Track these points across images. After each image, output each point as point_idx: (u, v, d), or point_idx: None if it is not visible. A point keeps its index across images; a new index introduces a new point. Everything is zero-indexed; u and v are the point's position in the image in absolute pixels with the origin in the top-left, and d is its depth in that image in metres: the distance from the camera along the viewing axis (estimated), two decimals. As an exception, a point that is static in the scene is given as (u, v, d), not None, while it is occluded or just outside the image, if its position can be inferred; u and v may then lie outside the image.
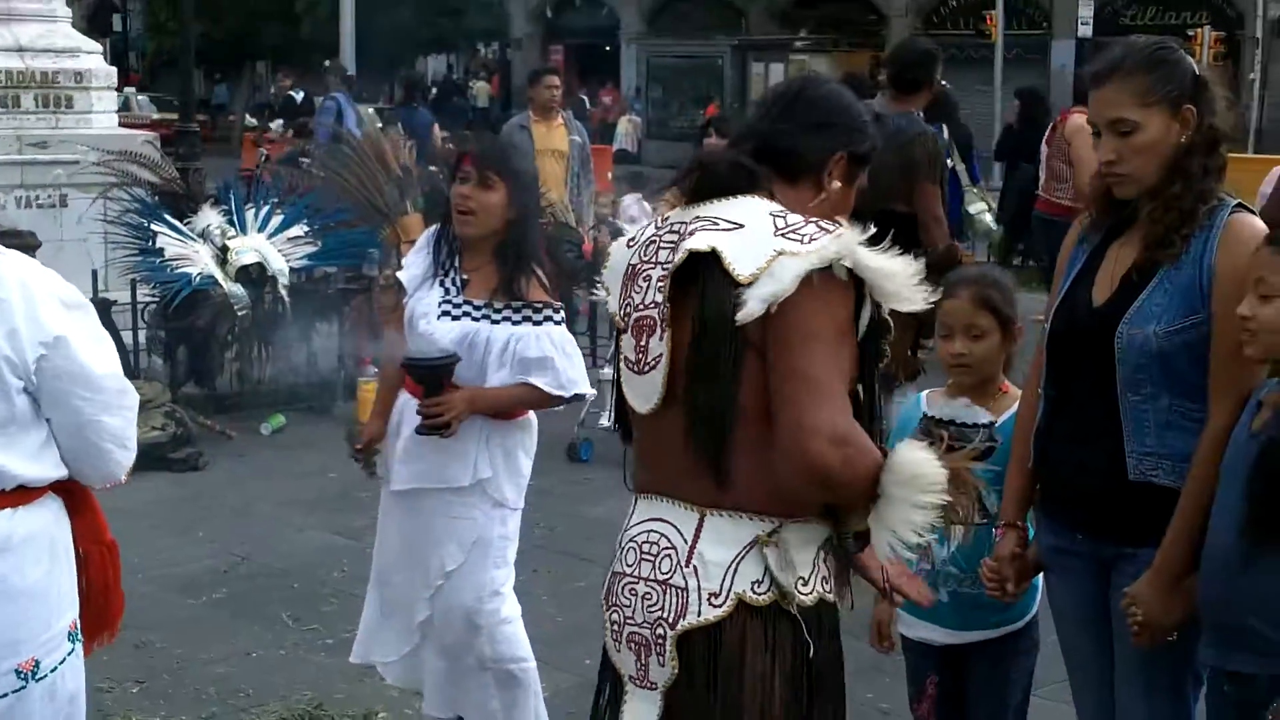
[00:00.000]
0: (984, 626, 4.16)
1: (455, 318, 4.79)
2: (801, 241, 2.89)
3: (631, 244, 3.20)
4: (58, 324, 3.35)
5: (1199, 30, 32.28)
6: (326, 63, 20.15)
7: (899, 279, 2.93)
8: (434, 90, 46.94)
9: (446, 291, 4.83)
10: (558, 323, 4.85)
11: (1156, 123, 3.50)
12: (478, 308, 4.80)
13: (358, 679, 5.82)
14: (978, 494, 3.17)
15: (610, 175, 22.91)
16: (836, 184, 3.15)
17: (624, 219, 9.50)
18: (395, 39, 36.10)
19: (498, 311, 4.79)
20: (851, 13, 40.89)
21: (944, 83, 9.17)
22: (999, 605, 4.00)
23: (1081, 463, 3.63)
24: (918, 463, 2.94)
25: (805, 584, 3.02)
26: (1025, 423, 3.81)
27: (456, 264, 4.87)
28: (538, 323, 4.79)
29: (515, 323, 4.79)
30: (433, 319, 4.79)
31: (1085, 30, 34.15)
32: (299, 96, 22.03)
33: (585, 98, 39.49)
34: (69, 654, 3.53)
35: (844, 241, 2.89)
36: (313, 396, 10.56)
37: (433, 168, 12.02)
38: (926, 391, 4.13)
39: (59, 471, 3.46)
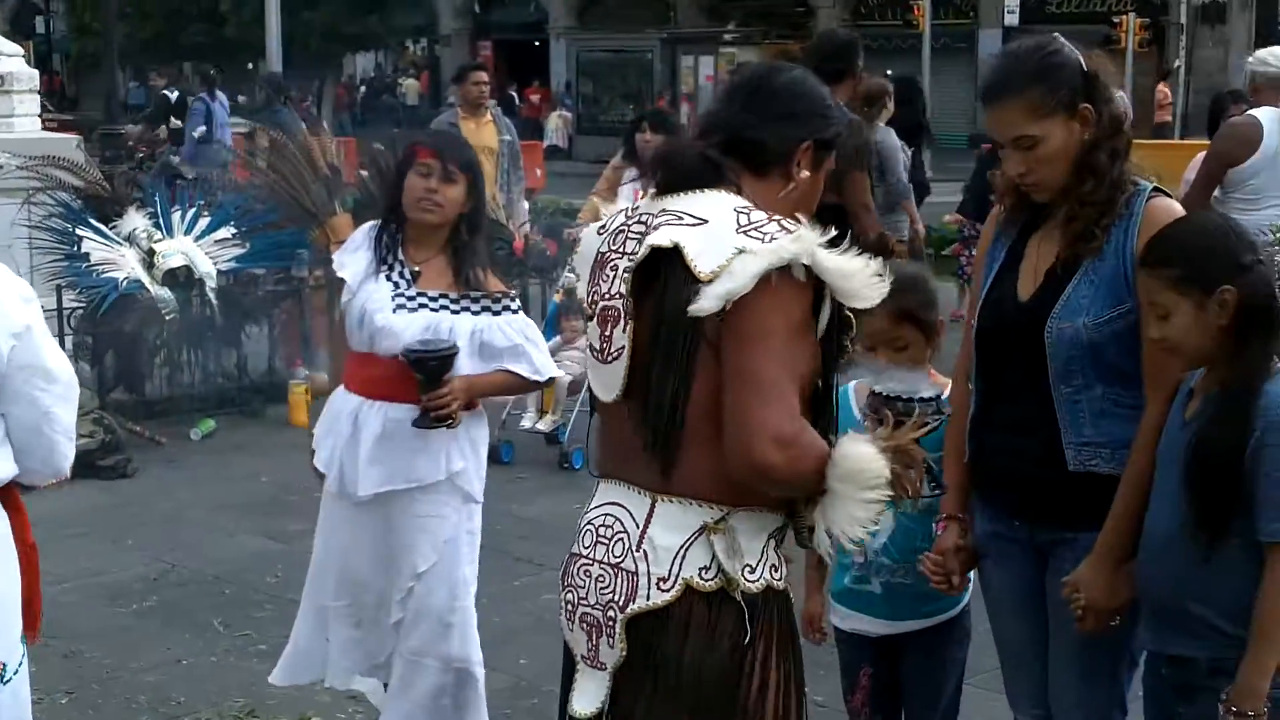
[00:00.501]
0: (917, 616, 4.17)
1: (412, 310, 4.74)
2: (763, 240, 2.92)
3: (602, 231, 3.23)
4: (22, 315, 3.36)
5: (1124, 17, 32.56)
6: (251, 65, 20.09)
7: (857, 278, 2.96)
8: (363, 88, 46.86)
9: (396, 285, 4.77)
10: (515, 311, 4.87)
11: (1057, 130, 3.51)
12: (434, 299, 4.78)
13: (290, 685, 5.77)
14: (927, 466, 3.18)
15: (540, 172, 22.90)
16: (805, 173, 3.16)
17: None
18: (322, 37, 35.95)
19: (455, 302, 4.79)
20: (780, 5, 40.98)
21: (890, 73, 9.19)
22: (932, 595, 4.00)
23: (1018, 451, 3.65)
24: (861, 457, 2.98)
25: (753, 571, 3.06)
26: (958, 417, 3.82)
27: (401, 257, 4.83)
28: (496, 313, 4.81)
29: (475, 313, 4.78)
30: (388, 313, 4.72)
31: (1012, 19, 34.39)
32: (173, 96, 21.80)
33: (514, 94, 39.43)
34: (23, 656, 3.53)
35: (803, 242, 2.91)
36: (243, 400, 10.48)
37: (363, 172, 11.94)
38: (854, 383, 4.11)
39: (13, 470, 3.45)
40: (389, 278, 4.80)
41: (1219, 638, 3.36)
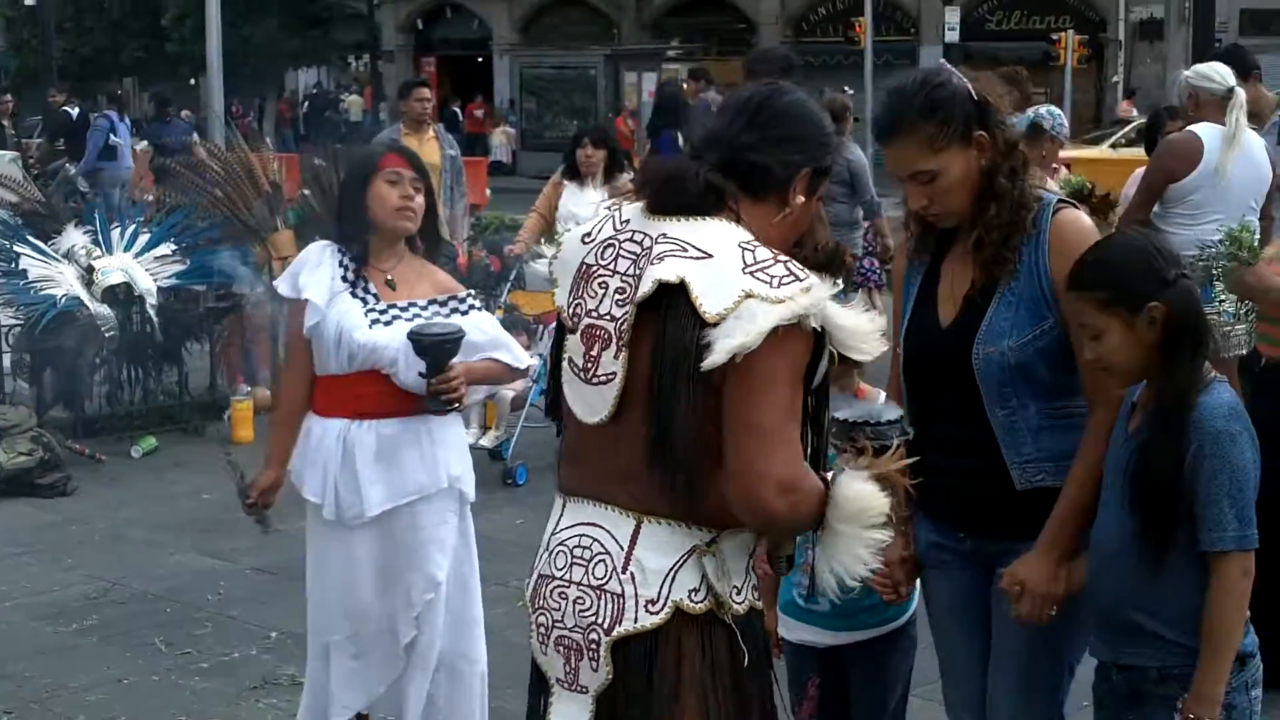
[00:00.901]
0: (864, 627, 4.18)
1: (387, 323, 4.68)
2: (770, 284, 2.88)
3: (588, 239, 3.13)
4: None
5: (1063, 34, 32.82)
6: (193, 80, 20.06)
7: (864, 336, 2.98)
8: (306, 104, 46.70)
9: (365, 301, 4.71)
10: (479, 309, 4.90)
11: (955, 161, 3.51)
12: (404, 309, 4.73)
13: (232, 703, 5.76)
14: (905, 491, 3.18)
15: (484, 188, 22.87)
16: (800, 199, 3.11)
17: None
18: (264, 53, 35.82)
19: (426, 309, 4.75)
20: (722, 21, 41.13)
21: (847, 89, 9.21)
22: (878, 606, 4.03)
23: (960, 469, 3.65)
24: (862, 497, 3.00)
25: (739, 592, 3.06)
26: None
27: (365, 273, 4.77)
28: (464, 312, 4.81)
29: (446, 315, 4.77)
30: (365, 329, 4.65)
31: (952, 36, 34.59)
32: (74, 113, 21.64)
33: (457, 110, 39.37)
34: None
35: (814, 297, 2.89)
36: (184, 418, 10.41)
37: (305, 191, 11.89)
38: None
39: None
40: (355, 294, 4.72)
41: (1168, 646, 3.39)
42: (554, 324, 3.32)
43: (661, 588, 3.00)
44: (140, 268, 9.99)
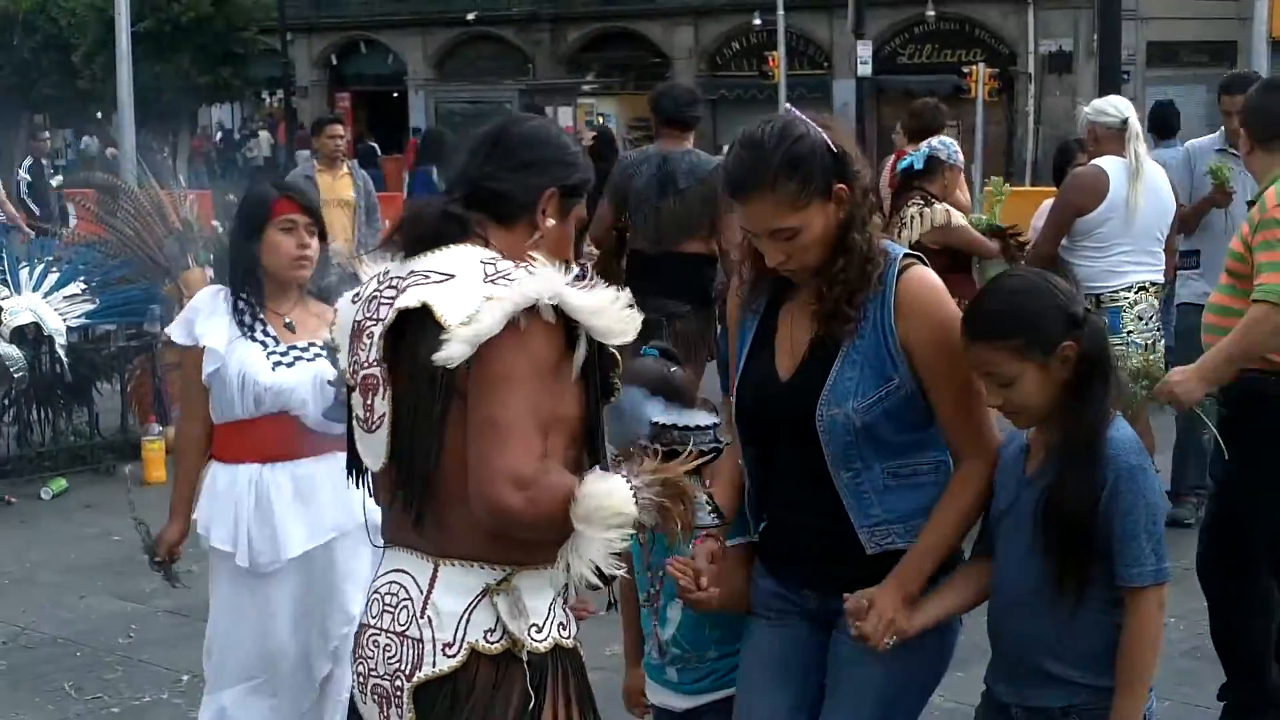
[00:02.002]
0: (713, 689, 4.01)
1: (290, 365, 4.67)
2: (508, 285, 2.92)
3: (357, 300, 3.18)
4: None
5: (974, 67, 33.13)
6: (99, 114, 19.96)
7: (608, 314, 2.94)
8: (220, 140, 46.44)
9: (265, 345, 4.69)
10: None
11: (816, 218, 3.39)
12: (304, 349, 4.72)
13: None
14: (706, 498, 3.14)
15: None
16: (551, 221, 3.13)
17: None
18: (176, 89, 35.57)
19: (323, 348, 4.67)
20: (637, 56, 41.30)
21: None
22: (725, 668, 3.90)
23: (804, 527, 3.54)
24: (601, 495, 2.92)
25: (539, 631, 3.04)
26: (728, 464, 3.73)
27: (262, 316, 4.74)
28: None
29: (322, 354, 4.72)
30: (269, 372, 4.64)
31: (865, 69, 34.79)
32: None
33: (375, 145, 39.22)
34: None
35: (544, 280, 2.90)
36: (95, 459, 10.32)
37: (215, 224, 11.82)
38: None
39: None
40: (254, 338, 4.70)
41: (1075, 687, 3.41)
42: None
43: (457, 630, 3.00)
44: (49, 307, 9.89)
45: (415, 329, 2.96)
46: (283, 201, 4.74)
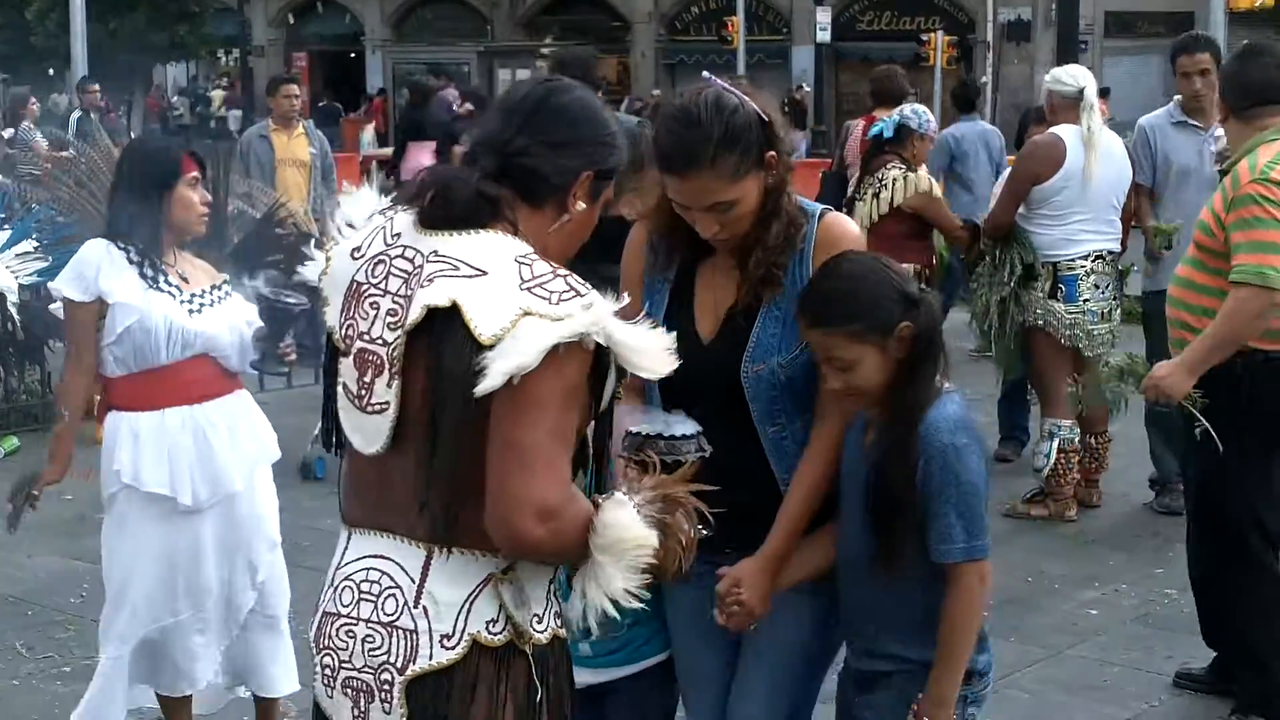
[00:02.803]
0: (626, 662, 3.91)
1: (199, 311, 4.87)
2: (549, 301, 2.72)
3: (357, 255, 2.94)
4: None
5: (932, 35, 33.21)
6: (50, 70, 19.70)
7: (650, 354, 2.81)
8: (177, 99, 46.10)
9: (173, 295, 4.85)
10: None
11: (751, 188, 3.39)
12: (203, 295, 4.94)
13: None
14: (697, 511, 3.02)
15: (360, 184, 22.61)
16: (581, 205, 2.94)
17: None
18: (131, 47, 35.30)
19: (216, 290, 5.00)
20: (596, 19, 41.19)
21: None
22: (636, 641, 3.85)
23: (728, 481, 3.40)
24: (621, 525, 2.81)
25: (540, 620, 2.90)
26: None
27: (162, 268, 4.88)
28: (228, 296, 5.04)
29: (230, 296, 5.04)
30: (187, 318, 4.82)
31: (824, 36, 34.86)
32: None
33: (340, 105, 39.03)
34: None
35: (595, 314, 2.72)
36: (48, 417, 10.22)
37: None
38: None
39: None
40: (159, 288, 4.83)
41: (898, 659, 3.47)
42: None
43: (457, 621, 2.82)
44: (1, 265, 9.81)
45: (440, 326, 2.76)
46: (188, 159, 4.95)
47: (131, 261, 4.82)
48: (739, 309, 3.51)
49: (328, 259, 3.01)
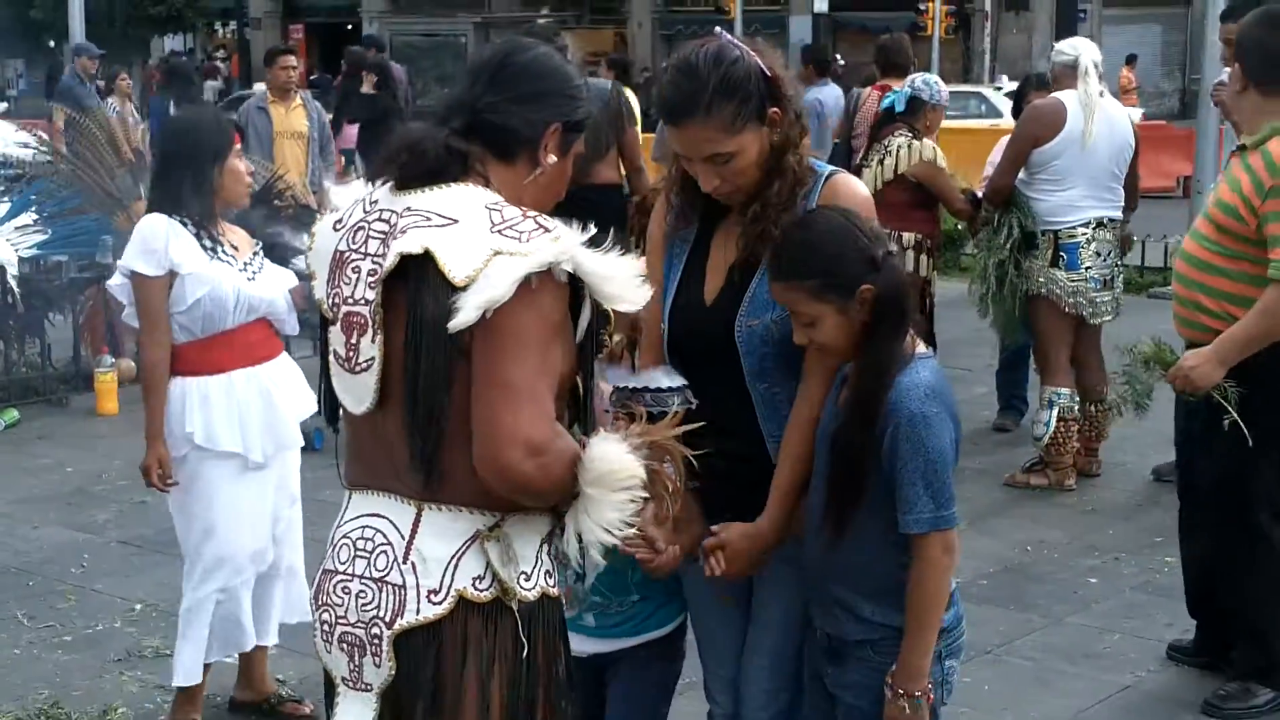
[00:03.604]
0: (628, 634, 3.93)
1: (251, 278, 5.02)
2: (519, 240, 2.78)
3: (339, 226, 3.00)
4: None
5: (930, 4, 33.11)
6: (52, 43, 19.59)
7: (619, 281, 2.85)
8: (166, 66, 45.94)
9: (229, 263, 5.00)
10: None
11: (751, 142, 3.39)
12: (250, 262, 5.09)
13: (96, 676, 5.69)
14: (685, 460, 3.09)
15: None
16: (552, 157, 3.00)
17: None
18: (128, 20, 35.26)
19: (257, 257, 5.14)
20: (593, -10, 41.09)
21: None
22: (642, 614, 3.89)
23: (728, 451, 3.50)
24: (609, 459, 2.87)
25: (528, 578, 2.93)
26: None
27: (218, 238, 5.01)
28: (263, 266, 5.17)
29: (267, 262, 5.16)
30: (247, 285, 4.99)
31: (821, 5, 34.81)
32: None
33: (332, 77, 38.91)
34: None
35: (563, 244, 2.79)
36: (48, 389, 10.26)
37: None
38: None
39: None
40: (218, 258, 4.97)
41: (863, 622, 3.45)
42: None
43: (444, 577, 2.88)
44: (0, 238, 9.81)
45: (415, 275, 2.81)
46: (236, 132, 5.12)
47: (191, 233, 4.93)
48: (740, 269, 3.53)
49: (312, 235, 3.07)
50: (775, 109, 3.43)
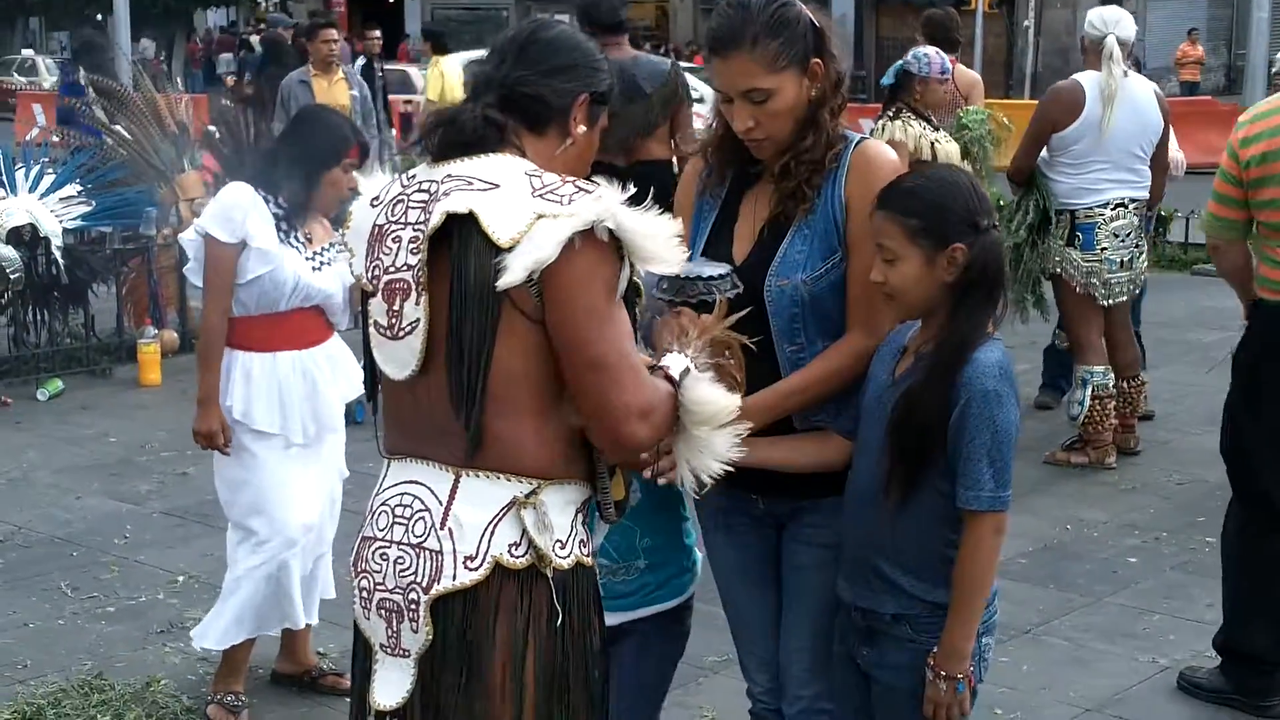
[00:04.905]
0: (634, 606, 3.83)
1: (317, 268, 5.09)
2: (560, 202, 2.83)
3: (376, 203, 3.06)
4: None
5: (975, -22, 32.86)
6: (100, 16, 19.62)
7: (659, 239, 2.89)
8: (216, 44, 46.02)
9: (299, 250, 5.07)
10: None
11: (790, 85, 3.43)
12: (322, 253, 5.15)
13: (139, 647, 5.74)
14: (741, 346, 3.21)
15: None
16: (581, 128, 3.08)
17: None
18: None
19: (325, 252, 5.17)
20: (636, -37, 40.97)
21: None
22: (651, 586, 3.82)
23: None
24: (710, 400, 3.01)
25: (563, 547, 2.96)
26: None
27: (297, 226, 5.09)
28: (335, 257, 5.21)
29: (342, 252, 5.04)
30: (311, 274, 5.06)
31: (864, -19, 34.59)
32: None
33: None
34: None
35: (605, 203, 2.83)
36: (91, 360, 10.32)
37: (211, 127, 11.77)
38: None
39: None
40: (289, 243, 5.04)
41: (904, 596, 3.42)
42: None
43: (480, 543, 2.90)
44: (45, 209, 9.86)
45: (460, 237, 2.86)
46: (356, 146, 5.18)
47: (273, 213, 5.02)
48: (770, 229, 3.54)
49: (349, 214, 3.13)
50: (818, 60, 3.46)
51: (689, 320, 3.26)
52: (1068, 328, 8.11)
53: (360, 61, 18.69)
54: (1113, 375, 7.85)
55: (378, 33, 19.74)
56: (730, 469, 3.10)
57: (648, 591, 3.83)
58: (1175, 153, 8.85)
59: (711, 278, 3.38)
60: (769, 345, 3.51)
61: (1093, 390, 7.78)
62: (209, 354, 5.04)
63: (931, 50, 8.35)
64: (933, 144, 8.01)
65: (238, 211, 4.96)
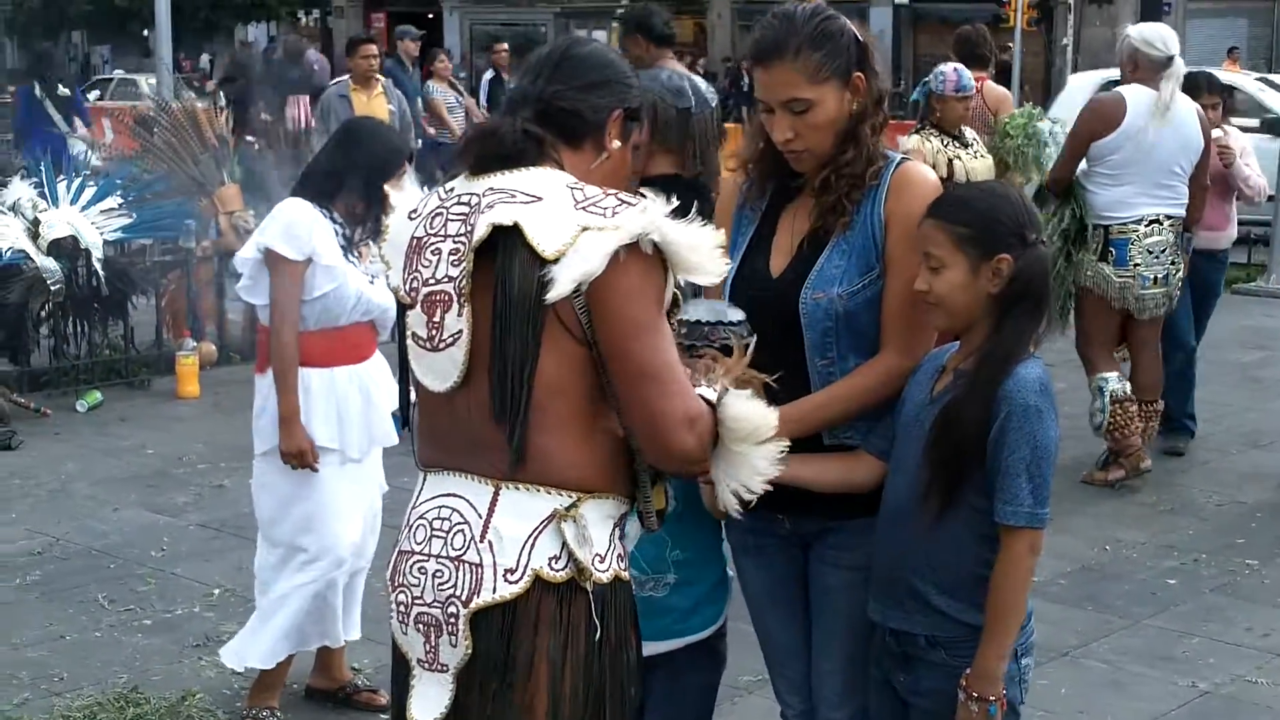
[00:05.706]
0: (663, 636, 3.71)
1: (371, 281, 5.09)
2: (604, 215, 2.84)
3: (414, 216, 3.06)
4: None
5: (1014, -4, 32.79)
6: (145, 32, 19.73)
7: (702, 251, 2.90)
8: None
9: (354, 264, 5.10)
10: None
11: (831, 97, 3.45)
12: (369, 269, 5.16)
13: (175, 660, 5.74)
14: (765, 386, 3.22)
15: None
16: (616, 143, 3.10)
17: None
18: (212, 7, 35.53)
19: (376, 263, 5.11)
20: (674, -21, 40.99)
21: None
22: (682, 610, 3.77)
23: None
24: (751, 416, 3.00)
25: (602, 561, 2.96)
26: None
27: (352, 239, 5.12)
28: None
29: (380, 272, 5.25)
30: (370, 288, 5.08)
31: (903, -4, 34.56)
32: None
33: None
34: None
35: (650, 215, 2.84)
36: (130, 372, 10.36)
37: (250, 139, 11.85)
38: None
39: None
40: (348, 257, 5.06)
41: (937, 616, 3.40)
42: None
43: (520, 555, 2.90)
44: (86, 221, 9.91)
45: (503, 249, 2.87)
46: (407, 161, 5.21)
47: (333, 227, 5.02)
48: (808, 243, 3.54)
49: (386, 228, 3.15)
50: (860, 74, 3.48)
51: (714, 359, 3.27)
52: (1082, 340, 8.05)
53: (489, 75, 18.95)
54: (1128, 383, 7.81)
55: (505, 46, 19.84)
56: (769, 487, 3.08)
57: (675, 619, 3.75)
58: (1259, 178, 8.86)
59: (731, 323, 3.40)
60: (801, 362, 3.51)
61: (1111, 396, 7.74)
62: (286, 373, 4.99)
63: (949, 68, 8.33)
64: (950, 160, 8.01)
65: (301, 228, 4.94)
